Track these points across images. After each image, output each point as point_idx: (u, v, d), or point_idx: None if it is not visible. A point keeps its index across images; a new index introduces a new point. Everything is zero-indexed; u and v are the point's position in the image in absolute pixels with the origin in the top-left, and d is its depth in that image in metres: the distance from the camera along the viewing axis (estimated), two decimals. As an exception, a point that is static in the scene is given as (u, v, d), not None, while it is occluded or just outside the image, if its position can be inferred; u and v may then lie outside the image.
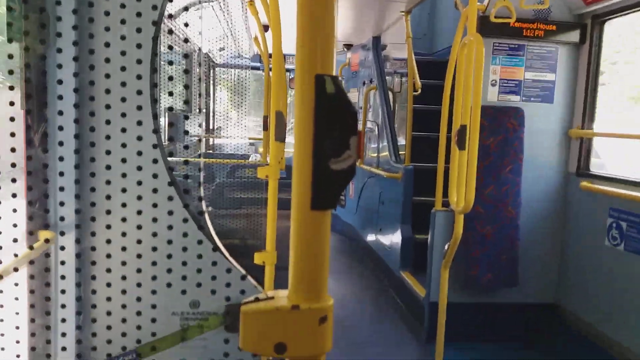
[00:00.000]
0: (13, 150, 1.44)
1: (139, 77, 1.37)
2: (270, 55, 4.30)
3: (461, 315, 3.69)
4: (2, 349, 1.45)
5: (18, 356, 1.46)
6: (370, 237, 6.07)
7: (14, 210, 1.46)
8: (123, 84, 1.38)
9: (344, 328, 4.04)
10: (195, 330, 1.36)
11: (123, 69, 1.38)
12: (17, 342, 1.46)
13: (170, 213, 1.35)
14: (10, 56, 1.46)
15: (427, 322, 3.82)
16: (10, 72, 1.46)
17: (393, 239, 5.02)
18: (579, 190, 3.70)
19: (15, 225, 1.46)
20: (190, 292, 1.35)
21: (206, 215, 1.46)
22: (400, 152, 5.42)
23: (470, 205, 2.82)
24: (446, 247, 3.17)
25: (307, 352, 0.94)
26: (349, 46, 7.17)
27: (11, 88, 1.44)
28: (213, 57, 7.16)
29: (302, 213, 0.91)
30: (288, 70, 7.19)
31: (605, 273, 3.51)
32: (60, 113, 1.41)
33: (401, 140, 5.64)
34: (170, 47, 1.50)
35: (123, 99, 1.38)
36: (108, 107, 1.39)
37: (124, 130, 1.39)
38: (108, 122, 1.39)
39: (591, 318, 3.62)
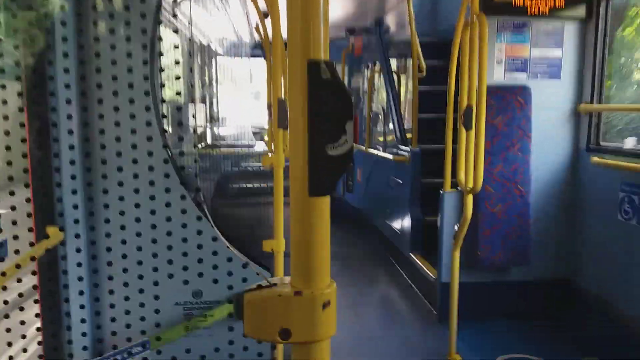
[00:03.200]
0: (24, 156, 1.46)
1: (129, 70, 1.37)
2: (271, 43, 4.27)
3: (473, 294, 3.70)
4: (23, 336, 1.48)
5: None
6: (380, 221, 6.07)
7: (29, 215, 1.48)
8: (114, 78, 1.38)
9: (356, 312, 4.06)
10: (200, 321, 1.37)
11: (113, 62, 1.38)
12: (38, 329, 1.49)
13: (168, 205, 1.36)
14: (17, 63, 1.47)
15: (440, 302, 3.83)
16: (18, 78, 1.46)
17: (403, 221, 5.01)
18: (590, 165, 3.65)
19: (30, 230, 1.48)
20: (193, 282, 1.36)
21: (204, 206, 1.47)
22: (407, 135, 5.38)
23: (479, 185, 2.80)
24: (456, 227, 3.16)
25: (311, 337, 0.94)
26: (352, 30, 7.09)
27: (20, 94, 1.45)
28: (214, 47, 7.13)
29: (300, 200, 0.91)
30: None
31: (618, 248, 3.48)
32: (54, 109, 1.41)
33: (408, 123, 5.60)
34: (160, 39, 1.49)
35: (115, 93, 1.38)
36: (100, 101, 1.39)
37: (117, 124, 1.39)
38: (101, 116, 1.40)
39: (604, 293, 3.61)
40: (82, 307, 1.44)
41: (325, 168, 0.88)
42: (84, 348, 1.45)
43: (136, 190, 1.38)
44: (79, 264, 1.44)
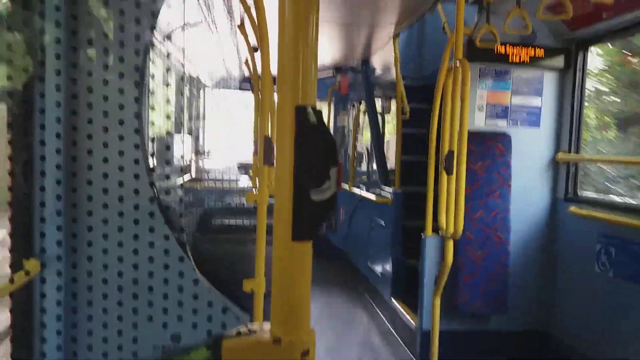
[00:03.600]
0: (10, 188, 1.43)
1: (121, 106, 1.37)
2: (259, 77, 4.31)
3: (453, 343, 3.65)
4: None
5: None
6: (361, 263, 6.02)
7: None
8: (105, 114, 1.37)
9: (335, 356, 3.97)
10: None
11: (105, 98, 1.37)
12: None
13: (152, 245, 1.33)
14: (9, 94, 1.45)
15: (420, 351, 3.76)
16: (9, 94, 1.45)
17: (384, 264, 4.98)
18: (567, 215, 3.70)
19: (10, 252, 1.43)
20: (172, 325, 1.31)
21: (187, 247, 1.44)
22: (389, 176, 5.42)
23: (460, 231, 2.81)
24: (437, 273, 3.15)
25: None
26: (338, 69, 7.23)
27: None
28: (203, 80, 7.18)
29: (282, 244, 0.90)
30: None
31: (595, 300, 3.48)
32: (43, 143, 1.39)
33: (391, 163, 5.65)
34: (152, 76, 1.50)
35: (105, 129, 1.37)
36: (90, 137, 1.38)
37: (105, 160, 1.37)
38: (90, 152, 1.38)
39: (582, 345, 3.59)
40: (59, 348, 1.38)
41: (308, 213, 0.88)
42: None
43: (120, 229, 1.35)
44: (59, 302, 1.39)
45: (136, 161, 1.40)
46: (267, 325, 0.95)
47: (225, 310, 1.32)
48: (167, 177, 1.51)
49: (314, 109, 0.88)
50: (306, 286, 0.92)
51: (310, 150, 0.87)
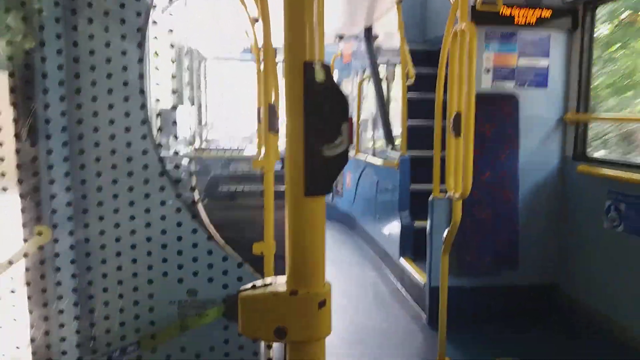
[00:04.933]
0: (0, 144, 1.44)
1: (124, 68, 1.37)
2: (260, 48, 4.28)
3: (462, 299, 3.72)
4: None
5: (18, 347, 1.47)
6: (369, 226, 6.08)
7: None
8: (109, 76, 1.38)
9: (345, 315, 4.06)
10: (195, 320, 1.37)
11: (108, 60, 1.37)
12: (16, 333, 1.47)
13: (163, 203, 1.35)
14: (10, 58, 1.46)
15: (429, 307, 3.85)
16: (11, 75, 1.45)
17: (392, 226, 5.04)
18: (576, 173, 3.72)
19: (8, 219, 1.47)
20: (187, 280, 1.35)
21: (199, 205, 1.47)
22: (396, 141, 5.42)
23: (467, 191, 2.83)
24: (445, 233, 3.18)
25: (307, 337, 0.95)
26: (341, 37, 7.14)
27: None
28: (203, 52, 7.12)
29: (296, 200, 0.92)
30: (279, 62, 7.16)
31: (604, 254, 3.54)
32: (47, 106, 1.40)
33: (397, 130, 5.65)
34: (156, 54, 1.50)
35: (109, 91, 1.38)
36: (94, 99, 1.39)
37: (112, 122, 1.38)
38: (95, 113, 1.39)
39: (591, 299, 3.66)
40: (75, 304, 1.43)
41: (321, 168, 0.89)
42: (77, 345, 1.44)
43: (130, 188, 1.37)
44: (73, 261, 1.43)
45: (143, 122, 1.41)
46: (281, 279, 0.98)
47: (240, 265, 1.35)
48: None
49: (322, 64, 0.88)
50: (321, 239, 0.94)
51: (321, 106, 0.88)
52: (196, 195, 1.52)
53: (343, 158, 0.90)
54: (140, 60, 1.41)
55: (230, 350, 1.37)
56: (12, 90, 1.42)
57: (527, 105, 3.83)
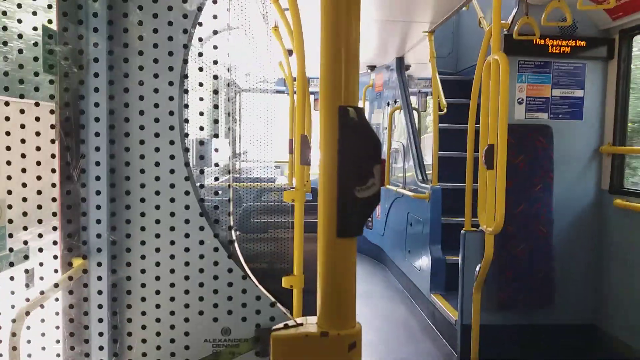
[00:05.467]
0: (53, 185, 1.51)
1: (171, 113, 1.43)
2: (294, 79, 4.38)
3: (494, 337, 3.60)
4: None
5: None
6: (399, 259, 6.00)
7: (54, 243, 1.53)
8: (156, 120, 1.44)
9: (375, 351, 3.98)
10: (227, 355, 1.38)
11: (156, 105, 1.44)
12: (58, 355, 1.51)
13: (202, 243, 1.38)
14: (52, 97, 1.54)
15: (460, 344, 3.74)
16: (52, 97, 1.53)
17: (422, 260, 4.96)
18: (613, 207, 3.60)
19: (55, 257, 1.52)
20: (222, 319, 1.37)
21: (236, 244, 1.50)
22: (427, 172, 5.39)
23: (500, 226, 2.78)
24: (477, 268, 3.12)
25: None
26: (372, 67, 7.22)
27: (52, 112, 1.52)
28: (238, 83, 7.29)
29: (328, 240, 0.93)
30: (312, 93, 7.27)
31: None
32: (97, 149, 1.47)
33: (427, 160, 5.62)
34: (201, 84, 1.56)
35: (156, 135, 1.43)
36: (142, 142, 1.45)
37: (157, 164, 1.44)
38: (142, 156, 1.45)
39: (631, 339, 3.49)
40: (115, 341, 1.46)
41: (353, 210, 0.90)
42: None
43: (172, 228, 1.42)
44: (114, 299, 1.47)
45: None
46: (312, 319, 0.98)
47: (273, 305, 1.36)
48: (216, 179, 1.58)
49: (356, 108, 0.90)
50: (352, 281, 0.94)
51: (354, 149, 0.89)
52: (233, 234, 1.55)
53: (375, 199, 0.91)
54: (187, 106, 1.47)
55: None
56: (54, 126, 1.49)
57: (561, 136, 3.76)
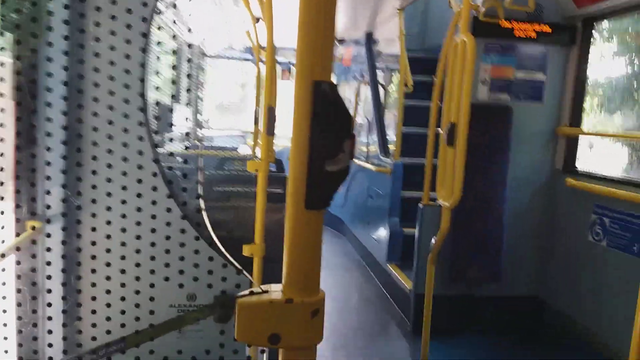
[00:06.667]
0: (1, 140, 1.47)
1: (127, 71, 1.40)
2: (262, 48, 4.32)
3: (447, 307, 3.77)
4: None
5: (6, 338, 1.50)
6: (358, 230, 6.13)
7: (1, 199, 1.50)
8: (111, 78, 1.41)
9: (329, 319, 4.10)
10: (191, 320, 1.41)
11: (112, 63, 1.41)
12: (4, 324, 1.50)
13: (169, 210, 1.39)
14: (2, 49, 1.48)
15: (413, 314, 3.89)
16: (1, 64, 1.48)
17: (381, 232, 5.08)
18: (564, 187, 3.78)
19: (2, 213, 1.50)
20: (187, 285, 1.39)
21: (204, 213, 1.51)
22: (389, 147, 5.47)
23: (457, 201, 2.87)
24: (433, 241, 3.23)
25: (300, 343, 0.98)
26: (341, 41, 7.18)
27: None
28: (203, 48, 7.12)
29: (296, 212, 0.95)
30: (279, 62, 7.18)
31: (587, 268, 3.61)
32: (49, 105, 1.44)
33: (391, 135, 5.70)
34: (159, 43, 1.53)
35: (111, 92, 1.41)
36: (96, 100, 1.42)
37: (110, 122, 1.42)
38: (95, 114, 1.43)
39: (573, 311, 3.72)
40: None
41: (322, 183, 0.93)
42: (65, 339, 1.47)
43: (139, 195, 1.41)
44: (64, 256, 1.46)
45: (140, 123, 1.45)
46: (276, 287, 1.02)
47: (239, 272, 1.39)
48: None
49: (330, 83, 0.91)
50: (318, 251, 0.98)
51: (326, 124, 0.91)
52: (202, 203, 1.56)
53: (344, 173, 0.94)
54: (142, 65, 1.44)
55: (225, 354, 1.41)
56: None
57: (521, 118, 3.89)
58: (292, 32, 0.91)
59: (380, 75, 6.23)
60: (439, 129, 3.13)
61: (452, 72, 2.99)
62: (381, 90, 5.98)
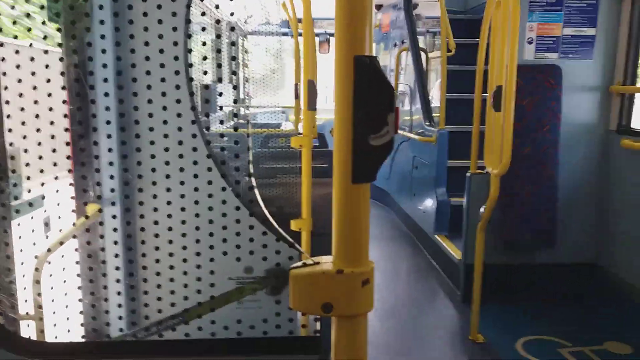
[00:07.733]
0: (67, 130, 1.57)
1: (175, 58, 1.46)
2: (299, 21, 4.29)
3: (497, 276, 3.73)
4: (66, 306, 1.62)
5: (81, 312, 1.63)
6: (404, 201, 6.10)
7: (71, 184, 1.61)
8: (162, 65, 1.47)
9: (379, 290, 4.15)
10: (249, 290, 1.50)
11: (161, 51, 1.46)
12: (80, 300, 1.63)
13: (224, 189, 1.46)
14: (60, 44, 1.56)
15: (463, 283, 3.87)
16: (60, 45, 1.56)
17: (428, 202, 5.05)
18: (619, 148, 3.62)
19: (72, 198, 1.61)
20: (244, 259, 1.47)
21: (256, 191, 1.57)
22: (434, 115, 5.37)
23: (506, 168, 2.82)
24: (482, 209, 3.19)
25: (351, 312, 1.03)
26: (379, 7, 7.03)
27: (61, 60, 1.55)
28: (242, 26, 7.15)
29: (343, 186, 0.98)
30: (317, 34, 7.12)
31: None
32: (106, 94, 1.51)
33: (435, 102, 5.59)
34: (203, 29, 1.58)
35: (162, 79, 1.47)
36: (149, 87, 1.48)
37: (164, 108, 1.48)
38: (150, 101, 1.49)
39: (631, 277, 3.60)
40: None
41: (367, 157, 0.95)
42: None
43: (195, 176, 1.48)
44: (115, 242, 1.56)
45: (192, 107, 1.51)
46: (326, 259, 1.06)
47: (292, 245, 1.45)
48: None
49: (371, 57, 0.92)
50: (365, 223, 1.00)
51: (369, 99, 0.93)
52: (253, 181, 1.63)
53: (388, 147, 0.95)
54: (190, 50, 1.49)
55: (281, 323, 1.49)
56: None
57: (571, 76, 3.73)
58: (330, 2, 0.93)
59: (422, 40, 6.07)
60: (485, 93, 3.05)
61: (496, 32, 2.89)
62: (423, 56, 5.84)
